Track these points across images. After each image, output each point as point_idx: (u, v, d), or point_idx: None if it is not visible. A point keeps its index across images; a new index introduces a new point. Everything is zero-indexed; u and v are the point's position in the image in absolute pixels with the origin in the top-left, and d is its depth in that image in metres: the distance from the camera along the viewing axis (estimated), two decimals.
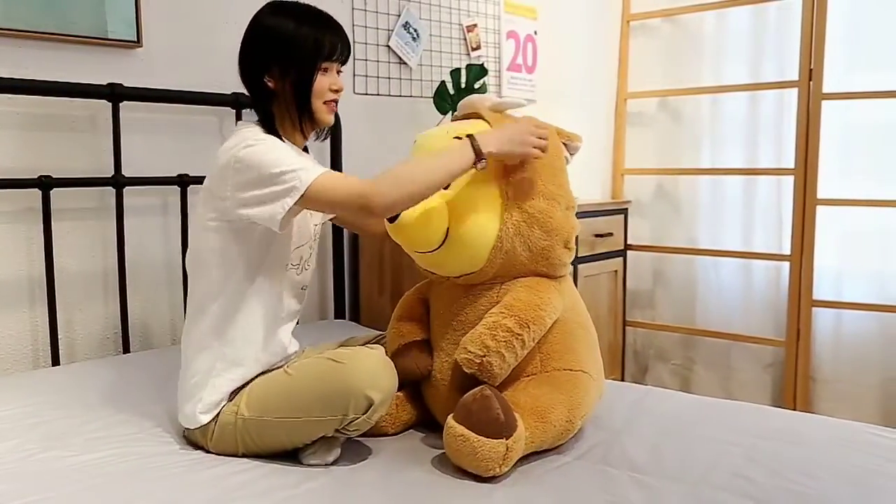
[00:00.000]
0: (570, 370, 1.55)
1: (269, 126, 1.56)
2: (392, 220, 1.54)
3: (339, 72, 1.60)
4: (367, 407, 1.40)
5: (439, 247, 1.54)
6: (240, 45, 1.58)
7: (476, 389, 1.41)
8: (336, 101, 1.60)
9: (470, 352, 1.46)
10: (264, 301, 1.55)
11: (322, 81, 1.55)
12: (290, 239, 1.57)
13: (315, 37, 1.52)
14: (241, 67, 1.59)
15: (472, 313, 1.57)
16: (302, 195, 1.42)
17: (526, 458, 1.45)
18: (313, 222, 1.66)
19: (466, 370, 1.46)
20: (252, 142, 1.46)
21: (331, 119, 1.61)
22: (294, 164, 1.44)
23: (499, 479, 1.38)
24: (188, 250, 1.59)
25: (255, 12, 1.57)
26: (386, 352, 1.52)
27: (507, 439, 1.35)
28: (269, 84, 1.55)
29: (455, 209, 1.54)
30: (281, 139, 1.55)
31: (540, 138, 1.56)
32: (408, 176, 1.46)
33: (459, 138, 1.54)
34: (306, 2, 1.59)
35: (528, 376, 1.54)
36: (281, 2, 1.58)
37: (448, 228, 1.52)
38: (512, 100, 1.67)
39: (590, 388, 1.56)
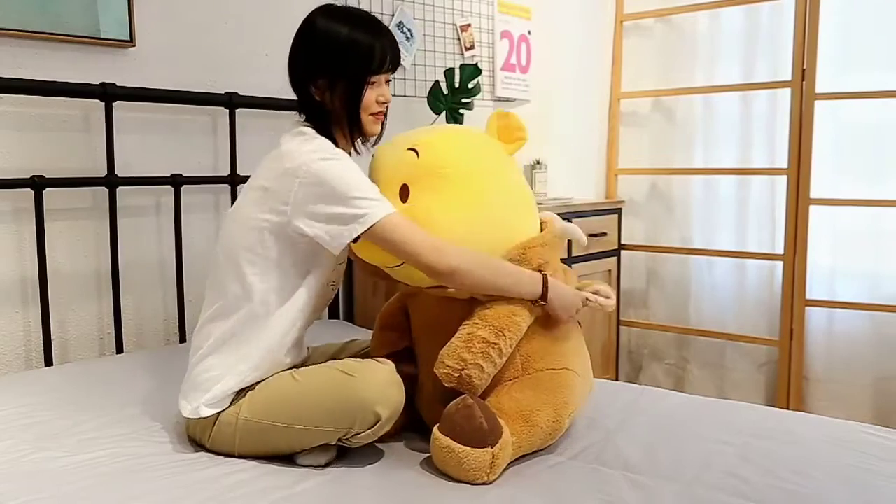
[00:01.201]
0: (553, 369, 1.54)
1: (327, 135, 1.53)
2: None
3: (388, 82, 1.58)
4: (374, 422, 1.39)
5: (402, 263, 1.52)
6: (290, 47, 1.56)
7: (459, 399, 1.40)
8: (383, 112, 1.58)
9: (448, 366, 1.44)
10: (297, 310, 1.53)
11: (370, 95, 1.54)
12: (334, 257, 1.55)
13: (365, 49, 1.50)
14: (290, 73, 1.57)
15: (449, 322, 1.55)
16: (372, 226, 1.41)
17: (519, 458, 1.45)
18: None
19: (446, 384, 1.45)
20: (329, 155, 1.45)
21: (377, 129, 1.60)
22: (372, 193, 1.44)
23: (498, 478, 1.38)
24: (223, 247, 1.54)
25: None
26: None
27: (492, 447, 1.35)
28: (316, 96, 1.54)
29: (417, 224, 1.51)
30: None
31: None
32: (484, 263, 1.49)
33: (413, 150, 1.53)
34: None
35: (510, 380, 1.53)
36: (335, 6, 1.56)
37: None
38: (580, 236, 1.71)
39: (575, 385, 1.55)
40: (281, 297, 1.50)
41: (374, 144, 1.66)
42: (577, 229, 1.71)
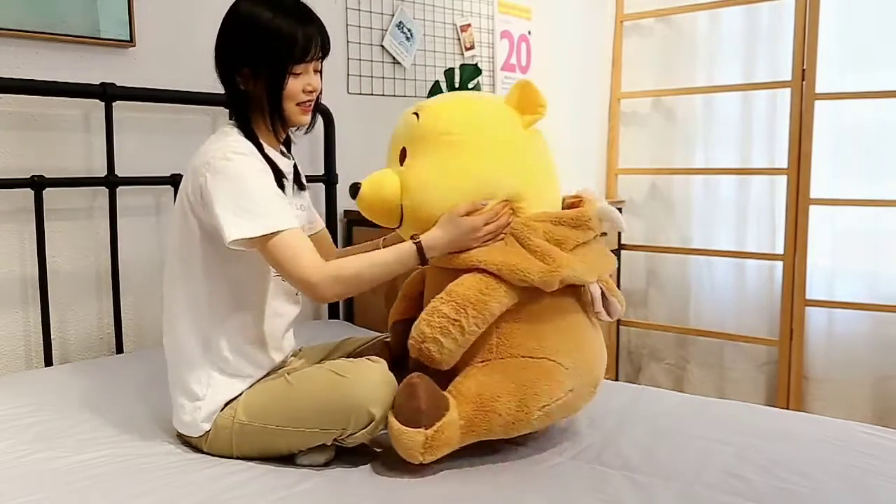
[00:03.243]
0: (530, 357, 1.47)
1: (245, 126, 1.53)
2: (354, 195, 1.57)
3: (316, 70, 1.55)
4: (367, 422, 1.39)
5: (399, 226, 1.55)
6: (216, 35, 1.55)
7: (409, 376, 1.40)
8: (311, 102, 1.55)
9: (412, 337, 1.44)
10: (252, 305, 1.53)
11: (294, 84, 1.50)
12: None
13: (287, 37, 1.46)
14: (216, 61, 1.55)
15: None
16: (264, 236, 1.39)
17: (518, 457, 1.46)
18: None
19: (412, 356, 1.46)
20: (232, 154, 1.43)
21: (305, 120, 1.57)
22: (273, 201, 1.43)
23: (493, 478, 1.38)
24: (167, 262, 1.56)
25: None
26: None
27: (426, 429, 1.35)
28: (241, 85, 1.52)
29: (408, 189, 1.52)
30: (258, 141, 1.52)
31: (490, 223, 1.51)
32: (354, 279, 1.45)
33: (416, 113, 1.51)
34: None
35: (481, 362, 1.48)
36: None
37: (402, 207, 1.52)
38: (618, 219, 1.61)
39: (553, 375, 1.46)
40: (225, 293, 1.50)
41: (307, 132, 1.65)
42: (614, 212, 1.60)
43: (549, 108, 1.58)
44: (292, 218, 1.44)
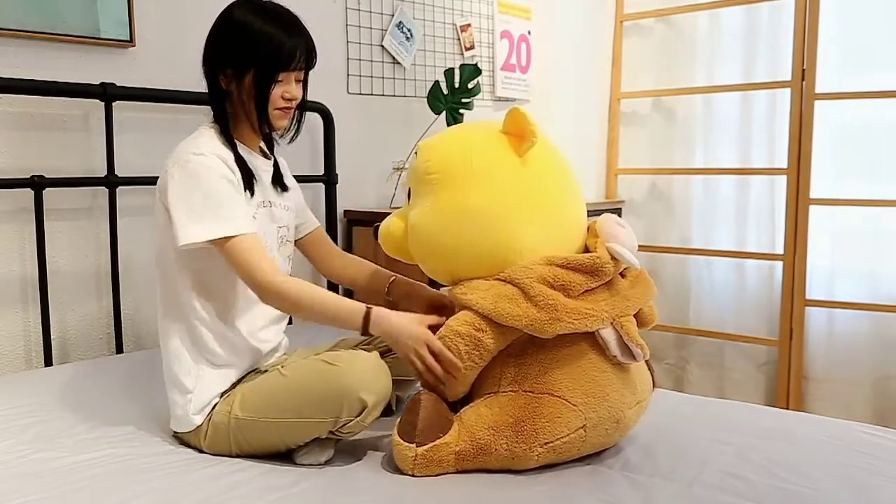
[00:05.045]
0: (532, 392, 1.42)
1: (223, 125, 1.56)
2: (376, 239, 1.65)
3: (298, 80, 1.58)
4: (360, 409, 1.40)
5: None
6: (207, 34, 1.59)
7: (419, 392, 1.45)
8: (289, 108, 1.58)
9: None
10: (222, 294, 1.54)
11: (275, 91, 1.54)
12: None
13: (275, 45, 1.50)
14: (203, 59, 1.59)
15: None
16: (223, 238, 1.44)
17: None
18: (278, 225, 1.65)
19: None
20: (191, 156, 1.47)
21: (283, 123, 1.60)
22: (224, 205, 1.46)
23: (493, 478, 1.38)
24: (156, 251, 1.59)
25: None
26: None
27: (418, 446, 1.38)
28: (222, 84, 1.56)
29: (409, 232, 1.56)
30: (233, 140, 1.56)
31: (432, 362, 1.43)
32: (293, 305, 1.47)
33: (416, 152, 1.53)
34: (284, 4, 1.58)
35: (488, 394, 1.46)
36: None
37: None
38: (630, 258, 1.51)
39: (555, 412, 1.40)
40: (195, 283, 1.53)
41: (291, 141, 1.69)
42: (625, 252, 1.50)
43: (538, 133, 1.54)
44: (246, 223, 1.48)
